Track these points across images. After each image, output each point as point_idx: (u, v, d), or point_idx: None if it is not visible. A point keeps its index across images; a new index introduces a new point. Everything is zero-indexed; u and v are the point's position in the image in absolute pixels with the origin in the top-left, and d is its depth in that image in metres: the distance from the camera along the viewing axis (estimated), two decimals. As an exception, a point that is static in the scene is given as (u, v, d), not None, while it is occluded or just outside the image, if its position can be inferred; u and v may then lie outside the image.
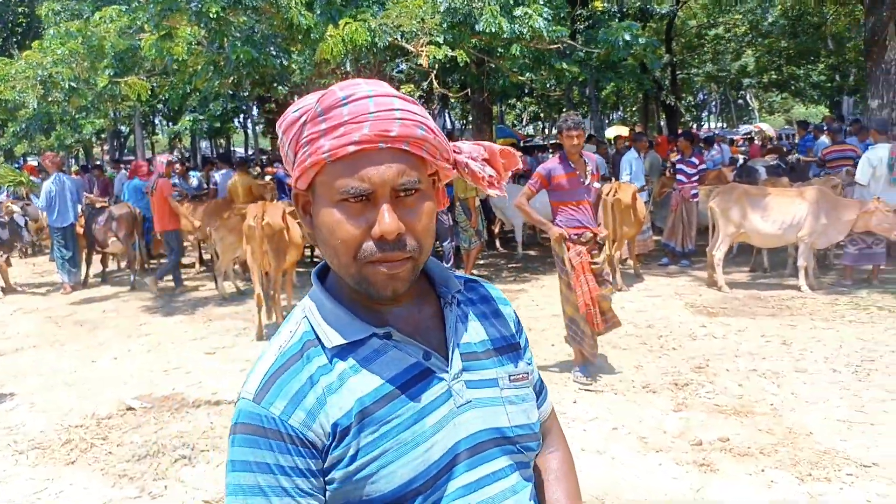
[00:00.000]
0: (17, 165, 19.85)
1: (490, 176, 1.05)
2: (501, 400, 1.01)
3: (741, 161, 13.94)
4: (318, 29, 7.50)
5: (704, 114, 43.97)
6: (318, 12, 7.76)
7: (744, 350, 5.51)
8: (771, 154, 13.46)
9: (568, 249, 4.84)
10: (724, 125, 42.57)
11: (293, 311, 1.03)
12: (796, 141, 16.08)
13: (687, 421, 4.22)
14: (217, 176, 11.08)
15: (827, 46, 22.96)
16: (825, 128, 12.56)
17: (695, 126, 36.40)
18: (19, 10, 25.56)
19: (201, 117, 17.70)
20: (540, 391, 1.17)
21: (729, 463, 3.66)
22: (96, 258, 10.27)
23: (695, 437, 3.97)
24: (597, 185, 5.10)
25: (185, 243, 10.40)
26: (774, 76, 29.01)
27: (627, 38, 8.48)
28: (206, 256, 10.84)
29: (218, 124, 20.43)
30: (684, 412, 4.36)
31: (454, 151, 1.03)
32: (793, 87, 30.28)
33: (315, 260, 11.43)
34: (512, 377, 1.04)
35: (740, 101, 41.12)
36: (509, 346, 1.08)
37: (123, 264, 10.71)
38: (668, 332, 6.18)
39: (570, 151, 4.84)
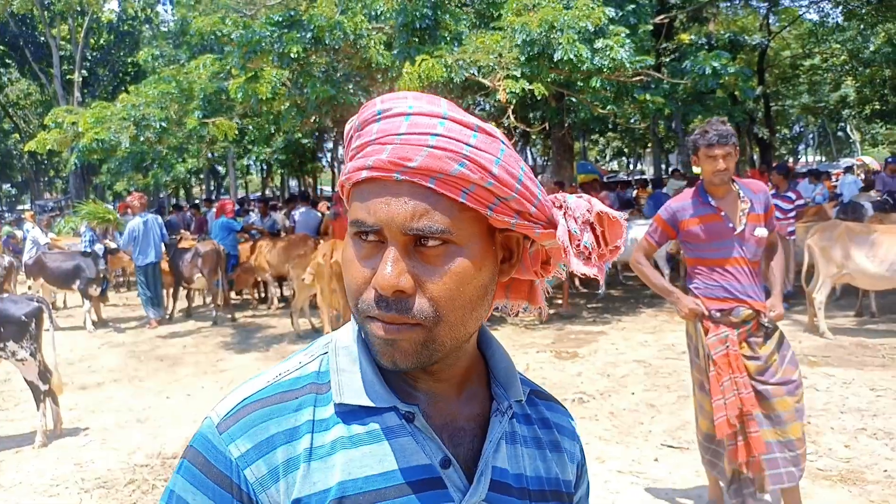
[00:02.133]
0: (114, 203, 21.10)
1: (584, 247, 0.77)
2: None
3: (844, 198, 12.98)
4: (396, 67, 7.55)
5: (801, 146, 41.95)
6: (396, 50, 7.82)
7: (851, 405, 4.94)
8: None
9: (706, 332, 3.22)
10: (823, 158, 40.44)
11: (315, 342, 0.84)
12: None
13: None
14: (297, 214, 11.29)
15: (937, 73, 21.42)
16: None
17: (791, 160, 34.74)
18: (128, 59, 27.60)
19: (268, 150, 18.29)
20: None
21: (838, 542, 3.19)
22: (183, 293, 10.62)
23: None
24: (762, 231, 3.20)
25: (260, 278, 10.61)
26: (878, 106, 27.29)
27: (716, 65, 8.07)
28: (287, 292, 11.02)
29: (283, 157, 21.01)
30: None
31: (555, 205, 0.78)
32: (899, 117, 28.37)
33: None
34: None
35: (840, 132, 39.00)
36: (554, 494, 0.83)
37: (209, 299, 11.02)
38: (764, 383, 5.64)
39: (712, 181, 3.14)
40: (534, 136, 22.64)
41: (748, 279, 3.17)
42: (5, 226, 14.70)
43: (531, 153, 33.83)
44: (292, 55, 6.89)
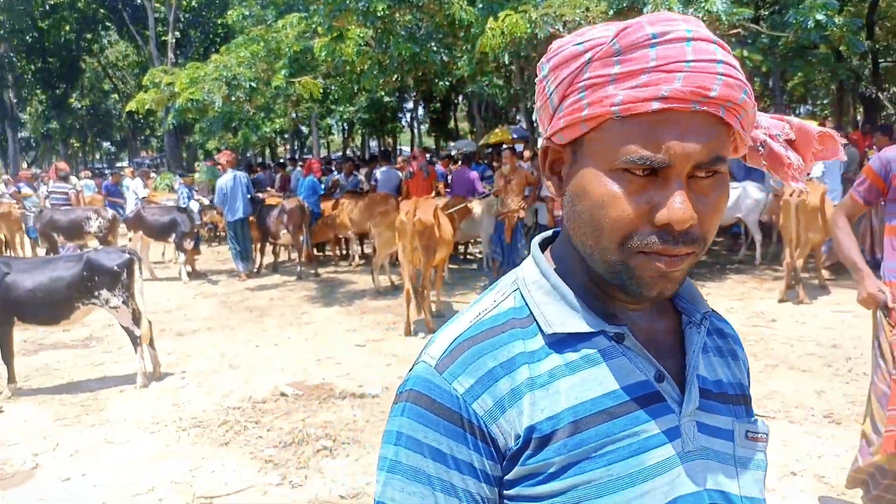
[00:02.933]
0: (205, 161, 21.96)
1: (795, 164, 0.82)
2: (734, 459, 0.80)
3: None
4: (479, 23, 7.43)
5: (912, 107, 38.86)
6: (480, 6, 7.69)
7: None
8: None
9: (894, 327, 2.60)
10: (937, 119, 37.35)
11: (499, 281, 0.85)
12: None
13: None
14: (378, 173, 11.43)
15: None
16: None
17: (899, 121, 32.26)
18: (219, 21, 28.35)
19: (352, 108, 18.40)
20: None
21: (937, 521, 3.03)
22: (269, 248, 11.04)
23: (891, 484, 3.35)
24: None
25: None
26: None
27: (820, 18, 7.51)
28: (368, 250, 11.26)
29: (366, 116, 21.07)
30: (878, 452, 3.71)
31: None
32: None
33: (468, 258, 11.46)
34: (750, 434, 0.83)
35: (959, 91, 35.83)
36: (743, 398, 0.87)
37: (294, 255, 11.39)
38: (859, 355, 5.37)
39: None
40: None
41: None
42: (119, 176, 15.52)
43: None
44: (377, 13, 6.90)
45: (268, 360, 5.96)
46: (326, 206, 11.08)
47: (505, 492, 0.73)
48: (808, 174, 0.84)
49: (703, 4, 7.06)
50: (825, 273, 8.07)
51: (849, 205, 2.85)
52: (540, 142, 0.81)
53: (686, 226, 0.68)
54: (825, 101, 26.14)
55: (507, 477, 0.73)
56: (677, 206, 0.67)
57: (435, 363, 0.75)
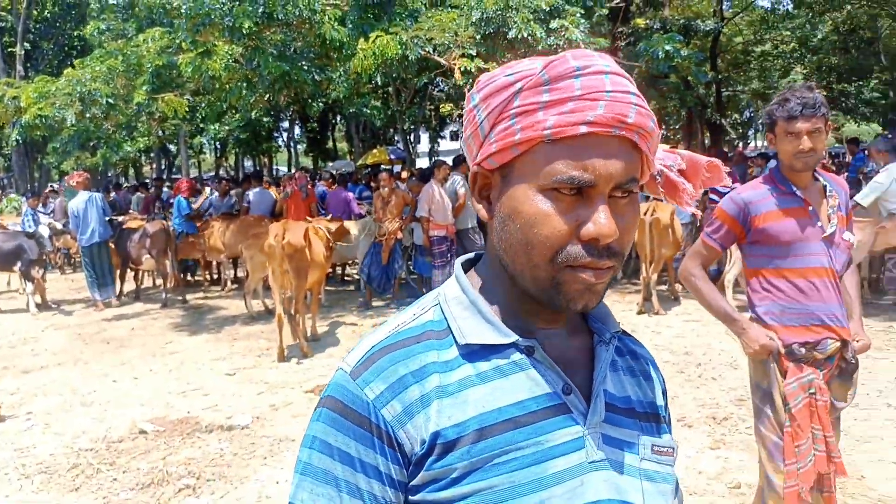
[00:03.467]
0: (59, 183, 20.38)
1: (687, 190, 0.92)
2: (639, 472, 0.84)
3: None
4: (351, 43, 7.44)
5: (751, 131, 42.94)
6: (351, 27, 7.70)
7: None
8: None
9: (785, 374, 2.42)
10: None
11: (423, 298, 0.88)
12: (847, 160, 15.39)
13: (725, 460, 3.88)
14: (251, 194, 11.08)
15: (880, 62, 22.11)
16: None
17: (741, 144, 35.53)
18: (74, 33, 26.54)
19: (226, 127, 17.84)
20: (676, 489, 0.93)
21: (771, 511, 3.31)
22: (131, 274, 10.36)
23: (733, 479, 3.63)
24: (851, 236, 2.53)
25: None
26: (824, 93, 27.88)
27: (668, 48, 8.18)
28: (241, 273, 10.84)
29: (242, 136, 20.53)
30: (722, 450, 4.02)
31: None
32: (843, 105, 29.25)
33: (346, 279, 11.34)
34: (655, 448, 0.87)
35: (789, 118, 40.05)
36: (653, 416, 0.91)
37: (159, 281, 10.77)
38: (708, 360, 5.82)
39: (793, 166, 2.41)
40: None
41: (837, 299, 2.42)
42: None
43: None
44: (244, 30, 6.73)
45: (126, 395, 5.57)
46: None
47: (411, 497, 0.76)
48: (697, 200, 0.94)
49: (563, 33, 7.46)
50: (677, 286, 8.69)
51: (702, 252, 2.60)
52: (471, 168, 0.85)
53: (609, 240, 0.74)
54: (677, 127, 28.27)
55: (412, 482, 0.75)
56: (602, 222, 0.73)
57: (350, 370, 0.78)
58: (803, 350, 2.41)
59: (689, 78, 11.05)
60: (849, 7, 18.97)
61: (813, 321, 2.41)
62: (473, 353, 0.79)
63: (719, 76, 21.21)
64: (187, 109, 8.99)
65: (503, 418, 0.76)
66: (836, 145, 31.30)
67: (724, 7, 22.18)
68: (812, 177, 2.47)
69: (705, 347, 6.21)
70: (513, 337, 0.80)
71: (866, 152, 13.00)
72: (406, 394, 0.75)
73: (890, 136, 9.66)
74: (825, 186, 2.47)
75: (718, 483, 3.61)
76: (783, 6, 22.14)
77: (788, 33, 23.47)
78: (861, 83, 26.32)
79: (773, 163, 16.29)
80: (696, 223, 8.83)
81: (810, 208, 2.41)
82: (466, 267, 0.90)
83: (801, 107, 2.32)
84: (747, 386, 5.20)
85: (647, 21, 16.27)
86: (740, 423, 4.41)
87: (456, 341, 0.80)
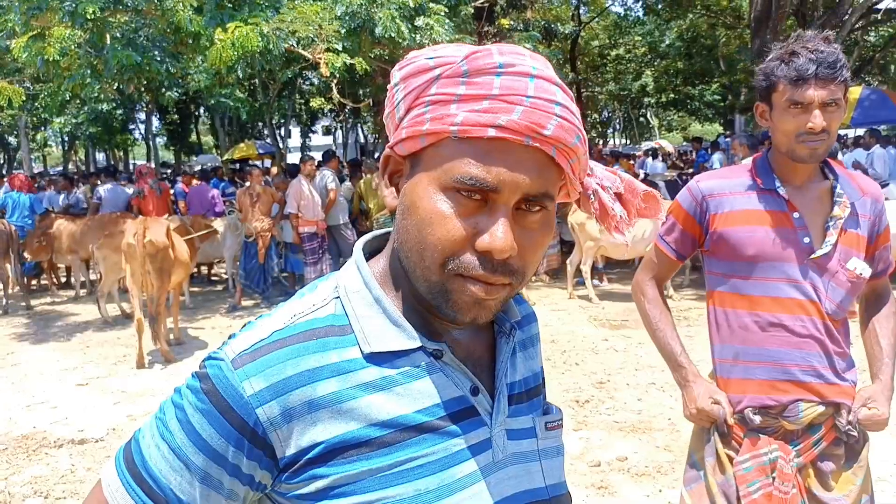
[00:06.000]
0: None
1: (619, 217, 0.85)
2: (538, 454, 0.84)
3: (642, 176, 14.41)
4: (208, 34, 7.10)
5: (609, 131, 45.61)
6: (207, 16, 7.35)
7: (644, 363, 5.51)
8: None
9: (735, 449, 1.74)
10: (628, 141, 44.30)
11: (317, 284, 0.80)
12: (692, 157, 16.80)
13: (587, 441, 4.11)
14: (103, 190, 10.31)
15: (719, 67, 24.24)
16: (720, 144, 13.15)
17: (601, 142, 37.66)
18: None
19: (76, 120, 16.52)
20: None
21: (627, 484, 3.55)
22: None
23: (594, 457, 3.86)
24: (862, 266, 1.69)
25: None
26: (672, 95, 30.44)
27: (528, 47, 8.50)
28: (93, 276, 10.07)
29: (92, 130, 19.12)
30: (584, 431, 4.26)
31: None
32: (689, 106, 31.86)
33: (214, 278, 10.85)
34: (549, 425, 0.86)
35: (642, 119, 42.92)
36: (540, 387, 0.90)
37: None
38: (572, 347, 6.12)
39: (795, 151, 1.64)
40: (364, 113, 22.52)
41: (821, 346, 1.68)
42: None
43: (362, 130, 33.64)
44: (87, 15, 6.22)
45: (-42, 414, 5.02)
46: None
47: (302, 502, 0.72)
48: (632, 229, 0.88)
49: (428, 31, 7.54)
50: (545, 277, 9.08)
51: (652, 260, 1.93)
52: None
53: (505, 255, 0.68)
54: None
55: (292, 491, 0.72)
56: (499, 235, 0.68)
57: (234, 357, 0.72)
58: (758, 418, 1.69)
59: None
60: (691, 16, 20.61)
61: (777, 374, 1.68)
62: (378, 355, 0.74)
63: (579, 77, 22.33)
64: (24, 99, 8.18)
65: (409, 424, 0.73)
66: (685, 143, 34.02)
67: (581, 12, 23.36)
68: (817, 172, 1.73)
69: (570, 335, 6.53)
70: (421, 341, 0.75)
71: (708, 150, 14.25)
72: (289, 396, 0.70)
73: (753, 132, 10.61)
74: (834, 188, 1.69)
75: (581, 462, 3.82)
76: (634, 13, 23.71)
77: (640, 38, 25.17)
78: (703, 87, 28.74)
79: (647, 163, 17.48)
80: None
81: (795, 215, 1.68)
82: (368, 252, 0.83)
83: (814, 65, 1.56)
84: (607, 369, 5.53)
85: (512, 22, 16.81)
86: (600, 404, 4.69)
87: (359, 344, 0.75)
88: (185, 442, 0.72)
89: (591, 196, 0.83)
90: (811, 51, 1.58)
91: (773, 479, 1.65)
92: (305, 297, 0.79)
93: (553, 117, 0.69)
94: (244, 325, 0.78)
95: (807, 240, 1.67)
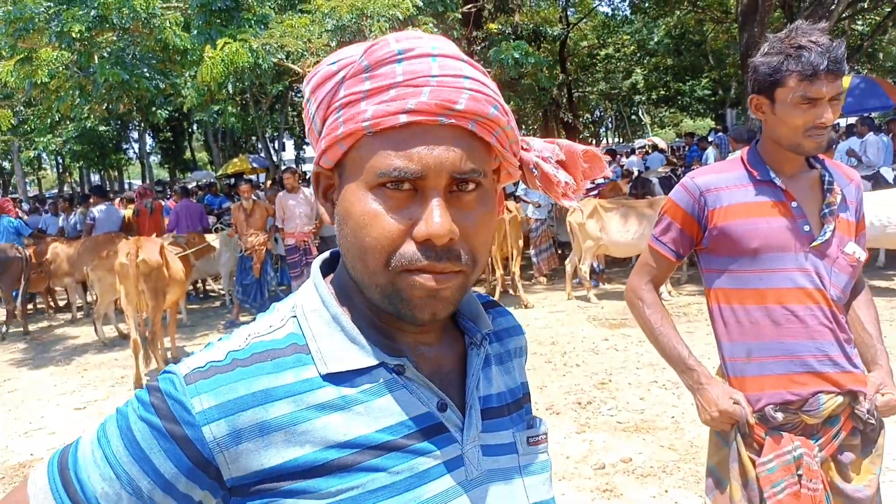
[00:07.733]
0: None
1: (566, 183, 0.83)
2: (519, 470, 0.80)
3: (636, 173, 14.41)
4: (196, 50, 7.09)
5: (602, 129, 45.68)
6: (195, 32, 7.34)
7: (645, 361, 5.47)
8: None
9: (758, 450, 1.67)
10: (620, 140, 44.38)
11: (275, 306, 0.78)
12: (685, 152, 16.82)
13: (590, 443, 4.07)
14: (96, 211, 10.27)
15: (708, 62, 24.31)
16: (711, 139, 13.15)
17: (594, 141, 37.72)
18: None
19: (60, 140, 16.47)
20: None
21: (632, 486, 3.52)
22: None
23: (598, 460, 3.82)
24: (857, 250, 1.71)
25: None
26: (662, 92, 30.50)
27: (517, 56, 8.51)
28: (90, 298, 10.03)
29: (77, 148, 19.03)
30: (587, 433, 4.22)
31: (522, 148, 0.82)
32: (679, 102, 31.91)
33: (211, 294, 10.82)
34: (531, 440, 0.83)
35: (633, 116, 43.02)
36: (523, 399, 0.87)
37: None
38: (572, 348, 6.09)
39: (802, 146, 1.64)
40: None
41: (832, 334, 1.66)
42: None
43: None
44: (73, 35, 6.20)
45: (-44, 443, 4.97)
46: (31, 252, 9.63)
47: None
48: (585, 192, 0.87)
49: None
50: (543, 279, 9.06)
51: (649, 263, 1.87)
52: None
53: (445, 240, 0.67)
54: (535, 127, 29.55)
55: None
56: (435, 220, 0.66)
57: (186, 373, 0.70)
58: (781, 414, 1.65)
59: (537, 81, 11.56)
60: (678, 13, 20.65)
61: (795, 367, 1.65)
62: (337, 374, 0.72)
63: (569, 78, 22.36)
64: (13, 124, 8.15)
65: (371, 444, 0.70)
66: (678, 140, 34.05)
67: (569, 13, 23.39)
68: (803, 161, 1.73)
69: (569, 336, 6.50)
70: (381, 357, 0.73)
71: (699, 144, 14.25)
72: (239, 417, 0.67)
73: (750, 126, 10.63)
74: (823, 177, 1.72)
75: (585, 465, 3.78)
76: (622, 12, 23.77)
77: (628, 37, 25.21)
78: (693, 82, 28.81)
79: (633, 160, 17.47)
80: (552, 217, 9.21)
81: (793, 204, 1.68)
82: (325, 270, 0.82)
83: (825, 59, 1.54)
84: (608, 369, 5.50)
85: (500, 26, 16.84)
86: (602, 405, 4.65)
87: (316, 364, 0.72)
88: (120, 451, 0.69)
89: (534, 170, 0.83)
90: (818, 45, 1.56)
91: (799, 476, 1.61)
92: (263, 319, 0.77)
93: (463, 91, 0.68)
94: (204, 346, 0.76)
95: (807, 228, 1.67)
